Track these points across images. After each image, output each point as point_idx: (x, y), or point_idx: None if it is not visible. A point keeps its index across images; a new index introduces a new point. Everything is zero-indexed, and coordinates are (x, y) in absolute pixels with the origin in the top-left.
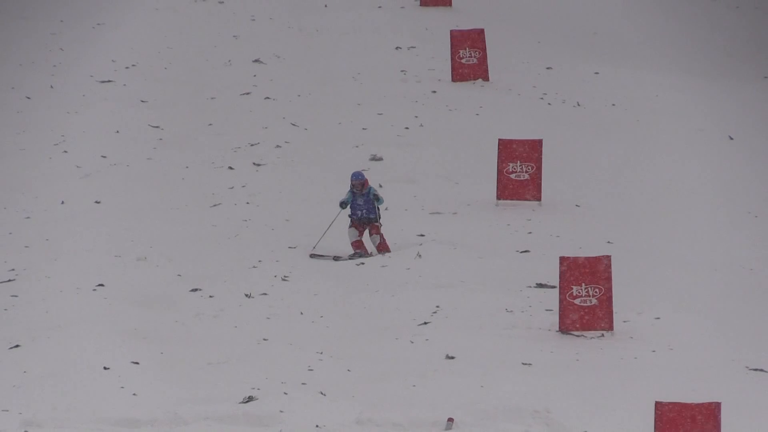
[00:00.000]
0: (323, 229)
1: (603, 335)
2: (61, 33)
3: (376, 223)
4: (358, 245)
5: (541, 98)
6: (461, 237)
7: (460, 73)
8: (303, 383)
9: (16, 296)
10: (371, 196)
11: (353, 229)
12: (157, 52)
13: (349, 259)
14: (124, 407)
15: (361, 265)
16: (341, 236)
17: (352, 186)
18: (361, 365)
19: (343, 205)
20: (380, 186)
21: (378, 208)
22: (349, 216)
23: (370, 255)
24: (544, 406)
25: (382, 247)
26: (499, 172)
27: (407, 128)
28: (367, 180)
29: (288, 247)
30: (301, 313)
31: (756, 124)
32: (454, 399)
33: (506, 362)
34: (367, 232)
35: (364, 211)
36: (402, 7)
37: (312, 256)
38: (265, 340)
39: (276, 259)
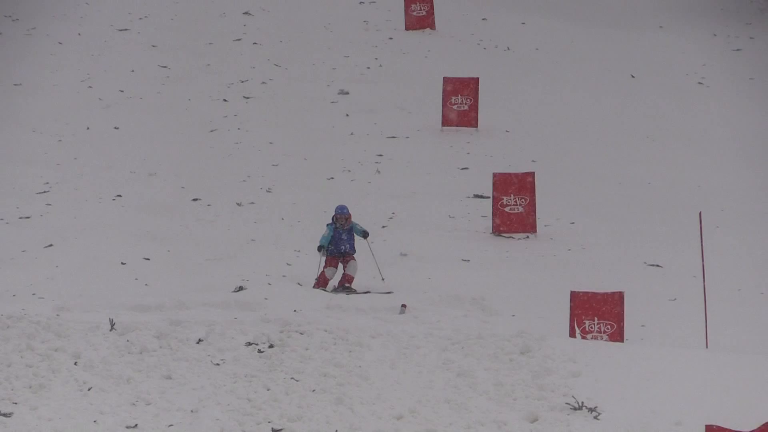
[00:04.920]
0: (304, 155)
1: (528, 237)
2: None
3: (353, 254)
4: (324, 282)
5: (478, 44)
6: (412, 156)
7: (412, 23)
8: (283, 276)
9: (50, 204)
10: (355, 231)
11: (331, 268)
12: (165, 6)
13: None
14: (137, 295)
15: (331, 179)
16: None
17: (335, 219)
18: None
19: (321, 249)
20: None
21: (368, 242)
22: (326, 253)
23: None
24: (480, 295)
25: (348, 279)
26: (444, 103)
27: (369, 68)
28: (350, 214)
29: (271, 164)
30: (282, 219)
31: (653, 65)
32: (407, 288)
33: (449, 259)
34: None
35: (348, 246)
36: None
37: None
38: (252, 240)
39: (262, 175)
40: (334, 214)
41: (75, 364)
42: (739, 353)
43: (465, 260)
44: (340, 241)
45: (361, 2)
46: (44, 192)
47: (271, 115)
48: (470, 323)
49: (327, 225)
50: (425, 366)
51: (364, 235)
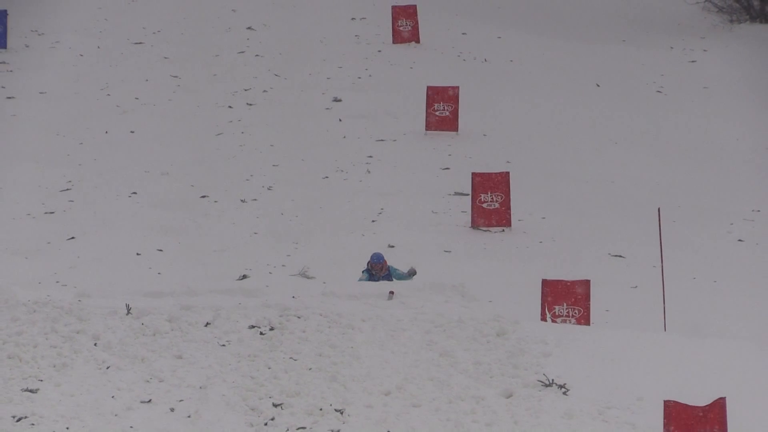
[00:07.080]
0: (301, 156)
1: (504, 230)
2: (105, 7)
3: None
4: None
5: (458, 56)
6: (399, 158)
7: (399, 37)
8: (283, 265)
9: (72, 201)
10: (398, 277)
11: None
12: (176, 21)
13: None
14: (151, 282)
15: (326, 178)
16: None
17: (371, 267)
18: (326, 253)
19: None
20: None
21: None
22: None
23: None
24: (460, 282)
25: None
26: (427, 110)
27: (360, 78)
28: (386, 261)
29: (272, 165)
30: (282, 214)
31: (616, 75)
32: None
33: (432, 250)
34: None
35: None
36: None
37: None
38: (255, 233)
39: (263, 174)
40: (369, 261)
41: (95, 345)
42: (693, 336)
43: (447, 251)
44: None
45: (352, 18)
46: (67, 190)
47: (271, 120)
48: (451, 308)
49: (363, 271)
50: (411, 347)
51: (411, 275)
